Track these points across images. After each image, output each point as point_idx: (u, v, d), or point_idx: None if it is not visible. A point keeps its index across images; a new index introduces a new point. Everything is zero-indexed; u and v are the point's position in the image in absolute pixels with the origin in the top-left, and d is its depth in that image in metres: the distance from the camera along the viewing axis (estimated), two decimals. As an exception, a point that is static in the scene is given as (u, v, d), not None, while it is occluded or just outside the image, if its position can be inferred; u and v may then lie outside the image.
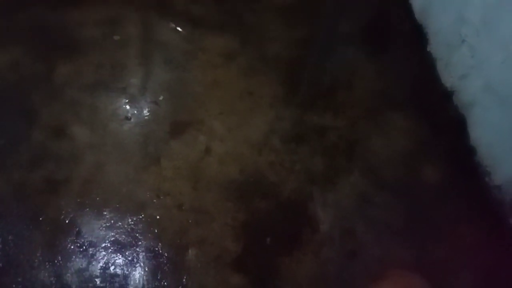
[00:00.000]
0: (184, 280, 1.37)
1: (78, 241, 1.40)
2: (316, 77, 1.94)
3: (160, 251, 1.41)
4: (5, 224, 1.41)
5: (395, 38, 2.09)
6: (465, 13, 1.64)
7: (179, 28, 1.98)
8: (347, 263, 1.48)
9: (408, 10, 2.10)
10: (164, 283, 1.36)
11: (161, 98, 1.74)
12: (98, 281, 1.34)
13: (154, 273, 1.37)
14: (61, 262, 1.36)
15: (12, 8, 1.92)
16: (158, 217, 1.47)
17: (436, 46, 1.87)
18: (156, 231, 1.45)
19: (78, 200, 1.47)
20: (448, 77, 1.77)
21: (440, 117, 1.80)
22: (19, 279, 1.32)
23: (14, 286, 1.31)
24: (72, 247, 1.39)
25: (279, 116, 1.76)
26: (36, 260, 1.36)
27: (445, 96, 1.78)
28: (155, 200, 1.51)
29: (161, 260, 1.40)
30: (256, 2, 2.13)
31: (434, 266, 1.48)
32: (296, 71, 1.93)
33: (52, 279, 1.33)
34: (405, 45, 2.06)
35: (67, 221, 1.43)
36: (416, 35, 2.03)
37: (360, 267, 1.47)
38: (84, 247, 1.40)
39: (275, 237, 1.50)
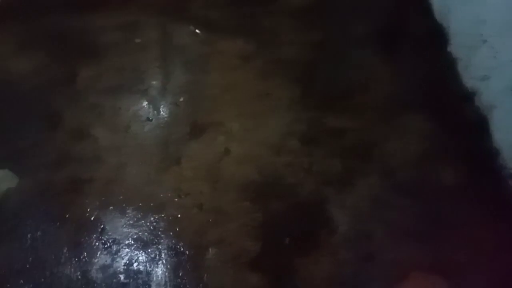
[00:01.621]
0: (204, 278, 1.41)
1: (102, 238, 1.46)
2: (332, 79, 1.94)
3: (181, 250, 1.45)
4: (33, 221, 1.47)
5: (413, 38, 2.08)
6: (487, 13, 1.62)
7: (197, 31, 2.02)
8: (364, 265, 1.48)
9: (427, 10, 2.08)
10: (185, 280, 1.40)
11: (181, 99, 1.78)
12: (122, 277, 1.39)
13: (175, 270, 1.41)
14: (86, 258, 1.42)
15: (36, 14, 2.00)
16: (179, 216, 1.51)
17: (457, 47, 1.85)
18: (177, 230, 1.49)
19: (102, 199, 1.53)
20: (469, 78, 1.75)
21: (459, 119, 1.79)
22: (47, 273, 1.38)
23: (42, 280, 1.36)
24: (97, 244, 1.44)
25: (296, 117, 1.78)
26: (63, 256, 1.42)
27: (466, 98, 1.76)
28: (175, 200, 1.55)
29: (182, 258, 1.44)
30: (272, 5, 2.15)
31: (452, 270, 1.48)
32: (313, 73, 1.94)
33: (78, 274, 1.39)
34: (423, 46, 2.04)
35: (91, 219, 1.49)
36: (435, 36, 2.01)
37: (377, 269, 1.47)
38: (108, 244, 1.45)
39: (293, 238, 1.52)
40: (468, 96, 1.79)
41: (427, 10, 2.10)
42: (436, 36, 2.03)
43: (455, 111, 1.84)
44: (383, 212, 1.60)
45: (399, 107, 1.86)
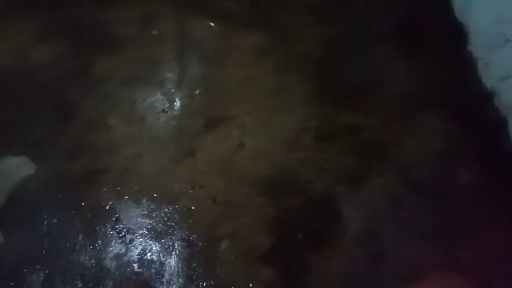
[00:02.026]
0: (216, 270, 1.41)
1: (117, 227, 1.47)
2: (348, 75, 1.93)
3: (194, 241, 1.46)
4: (50, 209, 1.49)
5: (431, 36, 2.04)
6: (511, 11, 1.59)
7: (212, 24, 2.01)
8: (376, 263, 1.48)
9: (447, 7, 2.05)
10: (197, 272, 1.41)
11: (196, 92, 1.78)
12: (135, 266, 1.41)
13: (188, 262, 1.42)
14: (101, 247, 1.43)
15: (55, 4, 2.00)
16: (192, 208, 1.52)
17: (477, 45, 1.82)
18: (190, 221, 1.50)
19: (117, 188, 1.54)
20: (489, 78, 1.72)
21: (478, 119, 1.76)
22: (62, 260, 1.40)
23: (58, 267, 1.39)
24: (112, 233, 1.46)
25: (311, 113, 1.77)
26: (78, 244, 1.44)
27: (485, 98, 1.73)
28: (189, 192, 1.56)
29: (195, 250, 1.45)
30: (288, 0, 2.14)
31: (465, 271, 1.47)
32: (328, 69, 1.93)
33: (92, 262, 1.41)
34: (442, 44, 2.01)
35: (106, 208, 1.50)
36: (454, 34, 1.98)
37: (390, 268, 1.46)
38: (122, 234, 1.46)
39: (305, 234, 1.52)
40: (487, 96, 1.76)
41: (447, 7, 2.06)
42: (455, 34, 2.00)
43: (473, 111, 1.81)
44: (397, 211, 1.59)
45: (415, 106, 1.84)
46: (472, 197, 1.63)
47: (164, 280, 1.39)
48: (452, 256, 1.51)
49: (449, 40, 2.01)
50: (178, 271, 1.41)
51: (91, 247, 1.43)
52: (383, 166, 1.69)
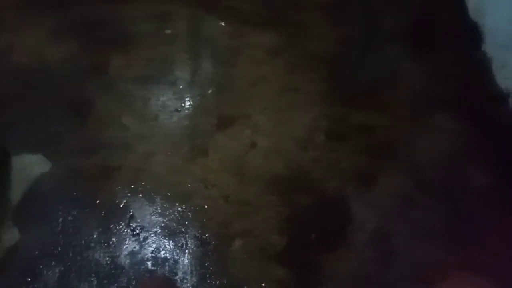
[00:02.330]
0: (229, 269, 1.42)
1: (131, 225, 1.48)
2: (361, 75, 1.92)
3: (207, 240, 1.47)
4: (65, 206, 1.51)
5: (444, 36, 2.03)
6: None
7: (222, 23, 2.01)
8: (389, 263, 1.47)
9: (461, 7, 2.03)
10: (210, 270, 1.41)
11: (209, 91, 1.79)
12: (149, 264, 1.42)
13: (201, 260, 1.43)
14: (115, 244, 1.45)
15: (69, 3, 2.02)
16: (205, 206, 1.53)
17: (492, 46, 1.81)
18: (203, 220, 1.50)
19: (131, 186, 1.55)
20: (503, 79, 1.71)
21: (491, 119, 1.75)
22: (78, 258, 1.42)
23: (73, 264, 1.40)
24: (126, 230, 1.47)
25: (324, 113, 1.77)
26: (93, 241, 1.45)
27: (499, 99, 1.72)
28: (202, 191, 1.56)
29: (207, 248, 1.45)
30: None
31: (479, 272, 1.46)
32: (341, 68, 1.92)
33: (107, 259, 1.42)
34: (455, 44, 2.00)
35: (121, 206, 1.51)
36: (469, 34, 1.97)
37: (403, 268, 1.46)
38: (136, 231, 1.47)
39: (317, 233, 1.51)
40: (501, 97, 1.75)
41: (461, 7, 2.05)
42: (469, 34, 1.98)
43: (488, 112, 1.80)
44: (410, 212, 1.58)
45: (428, 106, 1.83)
46: (485, 197, 1.62)
47: (177, 278, 1.40)
48: (465, 257, 1.50)
49: (463, 40, 2.00)
50: (191, 270, 1.41)
51: (106, 244, 1.45)
52: (395, 166, 1.68)
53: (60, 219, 1.48)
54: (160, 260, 1.42)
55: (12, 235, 1.45)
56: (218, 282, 1.40)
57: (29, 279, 1.37)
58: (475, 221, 1.58)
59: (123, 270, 1.41)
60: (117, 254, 1.43)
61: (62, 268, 1.39)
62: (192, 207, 1.53)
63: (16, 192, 1.53)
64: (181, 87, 1.80)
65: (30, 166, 1.58)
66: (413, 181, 1.65)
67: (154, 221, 1.49)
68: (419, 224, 1.56)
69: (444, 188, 1.65)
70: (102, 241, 1.45)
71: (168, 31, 1.94)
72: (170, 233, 1.48)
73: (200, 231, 1.48)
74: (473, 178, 1.68)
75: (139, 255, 1.43)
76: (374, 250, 1.51)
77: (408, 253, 1.50)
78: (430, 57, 1.97)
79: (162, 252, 1.44)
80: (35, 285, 1.36)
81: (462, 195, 1.64)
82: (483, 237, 1.54)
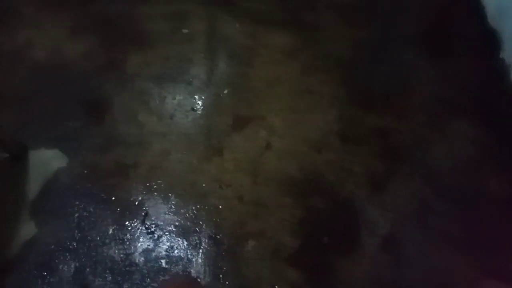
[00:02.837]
0: (242, 269, 1.42)
1: (146, 223, 1.49)
2: (377, 78, 1.91)
3: (221, 240, 1.47)
4: (81, 202, 1.52)
5: (462, 41, 2.01)
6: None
7: (237, 25, 2.02)
8: (404, 270, 1.47)
9: (479, 13, 2.01)
10: (223, 270, 1.42)
11: (225, 91, 1.79)
12: (163, 262, 1.43)
13: (214, 260, 1.44)
14: (130, 241, 1.46)
15: (88, 1, 2.04)
16: (220, 206, 1.53)
17: (511, 53, 1.78)
18: (217, 220, 1.51)
19: (147, 184, 1.56)
20: (523, 86, 1.69)
21: (509, 126, 1.73)
22: (93, 254, 1.43)
23: (88, 259, 1.41)
24: (141, 228, 1.48)
25: (339, 115, 1.76)
26: (108, 238, 1.46)
27: (518, 106, 1.70)
28: (217, 190, 1.57)
29: (221, 248, 1.46)
30: (318, 1, 2.13)
31: (495, 280, 1.44)
32: (357, 71, 1.91)
33: (122, 256, 1.43)
34: (473, 50, 1.98)
35: (136, 203, 1.53)
36: (487, 40, 1.95)
37: (417, 275, 1.45)
38: (151, 229, 1.48)
39: (331, 237, 1.51)
40: (520, 104, 1.73)
41: (480, 14, 2.02)
42: (488, 40, 1.96)
43: (505, 118, 1.77)
44: (425, 217, 1.57)
45: (445, 111, 1.81)
46: (502, 204, 1.60)
47: (191, 276, 1.41)
48: (481, 264, 1.49)
49: (481, 46, 1.98)
50: (204, 269, 1.42)
51: (121, 241, 1.46)
52: (410, 171, 1.67)
53: (76, 215, 1.50)
54: (173, 259, 1.43)
55: (29, 229, 1.47)
56: (231, 282, 1.40)
57: (45, 273, 1.39)
58: (491, 227, 1.56)
59: (137, 268, 1.42)
60: (132, 251, 1.44)
61: (78, 264, 1.41)
62: (206, 207, 1.53)
63: (33, 187, 1.55)
64: (197, 86, 1.81)
65: (47, 161, 1.60)
66: (428, 186, 1.64)
67: (169, 220, 1.50)
68: (434, 230, 1.55)
69: (460, 194, 1.63)
70: (117, 238, 1.46)
71: (185, 31, 1.95)
72: (184, 232, 1.48)
73: (214, 231, 1.49)
74: (490, 185, 1.66)
75: (153, 253, 1.44)
76: (388, 255, 1.50)
77: (423, 259, 1.49)
78: (447, 63, 1.96)
79: (176, 251, 1.45)
80: (51, 279, 1.38)
81: (478, 202, 1.62)
82: (500, 243, 1.53)
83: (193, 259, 1.44)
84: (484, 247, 1.53)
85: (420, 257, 1.49)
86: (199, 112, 1.75)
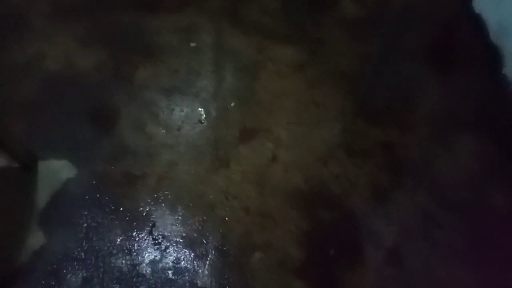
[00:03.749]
0: (249, 281, 1.43)
1: (153, 233, 1.51)
2: (382, 92, 1.94)
3: (227, 251, 1.48)
4: (89, 212, 1.54)
5: (465, 57, 2.04)
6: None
7: (244, 38, 2.05)
8: (410, 283, 1.47)
9: (481, 30, 2.05)
10: (230, 281, 1.43)
11: (232, 104, 1.82)
12: (170, 273, 1.44)
13: (221, 271, 1.44)
14: (137, 252, 1.47)
15: (98, 13, 2.08)
16: (226, 218, 1.55)
17: (513, 69, 1.82)
18: (224, 231, 1.52)
19: (154, 195, 1.58)
20: (527, 102, 1.71)
21: (513, 141, 1.75)
22: (100, 264, 1.44)
23: (96, 269, 1.42)
24: (148, 239, 1.50)
25: (344, 129, 1.79)
26: (115, 248, 1.47)
27: (521, 121, 1.72)
28: (223, 202, 1.58)
29: (228, 259, 1.47)
30: (323, 15, 2.17)
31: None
32: (363, 85, 1.94)
33: (129, 267, 1.44)
34: (476, 66, 2.01)
35: (143, 214, 1.54)
36: (488, 56, 1.98)
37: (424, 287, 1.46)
38: (158, 240, 1.50)
39: (337, 249, 1.52)
40: (523, 119, 1.75)
41: (482, 30, 2.06)
42: (490, 56, 2.00)
43: (508, 132, 1.80)
44: (431, 230, 1.58)
45: (449, 124, 1.84)
46: (507, 217, 1.62)
47: (197, 288, 1.41)
48: (488, 278, 1.49)
49: (483, 62, 2.01)
50: (211, 280, 1.43)
51: (128, 251, 1.47)
52: (415, 184, 1.69)
53: (85, 225, 1.51)
54: (180, 270, 1.44)
55: (38, 239, 1.48)
56: (237, 294, 1.41)
57: (53, 283, 1.40)
58: (496, 240, 1.57)
59: (144, 278, 1.43)
60: (139, 262, 1.45)
61: (85, 274, 1.42)
62: (213, 218, 1.55)
63: (43, 197, 1.57)
64: (204, 98, 1.84)
65: (56, 171, 1.62)
66: (433, 199, 1.65)
67: (176, 231, 1.52)
68: (439, 243, 1.56)
69: (465, 207, 1.64)
70: (125, 249, 1.48)
71: (193, 44, 1.98)
72: (191, 243, 1.50)
73: (220, 242, 1.50)
74: (494, 198, 1.67)
75: (160, 264, 1.45)
76: (393, 268, 1.51)
77: (429, 272, 1.50)
78: (451, 77, 1.99)
79: (183, 262, 1.46)
80: (59, 289, 1.39)
81: (483, 215, 1.63)
82: (505, 257, 1.53)
83: (200, 270, 1.45)
84: (489, 260, 1.54)
85: (425, 270, 1.50)
86: (206, 124, 1.77)
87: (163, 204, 1.56)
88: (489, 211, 1.65)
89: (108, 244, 1.48)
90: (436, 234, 1.58)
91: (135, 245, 1.48)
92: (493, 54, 1.97)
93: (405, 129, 1.81)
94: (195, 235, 1.51)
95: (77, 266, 1.43)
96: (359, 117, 1.83)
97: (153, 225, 1.52)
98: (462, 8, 2.19)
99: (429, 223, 1.60)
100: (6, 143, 1.48)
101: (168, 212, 1.55)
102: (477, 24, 2.09)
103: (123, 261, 1.45)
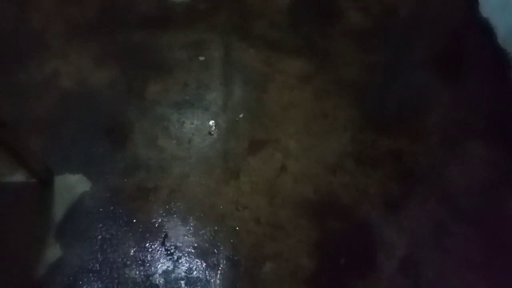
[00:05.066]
0: (260, 291, 1.44)
1: (165, 244, 1.53)
2: (390, 101, 1.95)
3: (239, 261, 1.50)
4: (104, 225, 1.58)
5: (474, 63, 2.05)
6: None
7: (252, 51, 2.10)
8: (422, 292, 1.46)
9: (489, 35, 2.05)
10: (242, 292, 1.44)
11: (241, 116, 1.86)
12: (183, 283, 1.46)
13: (233, 281, 1.46)
14: (150, 263, 1.50)
15: (111, 32, 2.16)
16: (237, 228, 1.57)
17: (522, 75, 1.81)
18: (235, 242, 1.54)
19: (166, 207, 1.61)
20: (537, 107, 1.70)
21: (525, 148, 1.74)
22: (115, 275, 1.47)
23: (110, 280, 1.46)
24: (161, 249, 1.53)
25: (353, 138, 1.80)
26: (129, 259, 1.51)
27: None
28: (234, 213, 1.61)
29: (239, 270, 1.48)
30: (331, 27, 2.20)
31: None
32: (371, 95, 1.96)
33: (142, 277, 1.47)
34: (484, 72, 2.01)
35: (156, 226, 1.57)
36: (497, 61, 1.98)
37: (436, 297, 1.44)
38: (171, 251, 1.52)
39: (348, 258, 1.52)
40: (534, 125, 1.74)
41: (490, 35, 2.06)
42: (499, 62, 1.99)
43: (520, 139, 1.78)
44: (443, 239, 1.57)
45: (459, 132, 1.83)
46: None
47: (209, 298, 1.43)
48: (500, 286, 1.47)
49: (492, 68, 2.00)
50: (223, 291, 1.44)
51: (141, 262, 1.50)
52: (426, 193, 1.68)
53: (99, 237, 1.55)
54: (193, 280, 1.46)
55: (54, 252, 1.52)
56: (249, 304, 1.42)
57: (70, 295, 1.44)
58: (509, 249, 1.55)
59: (158, 289, 1.45)
60: (152, 272, 1.48)
61: (101, 285, 1.45)
62: (224, 229, 1.57)
63: (59, 210, 1.62)
64: (214, 111, 1.88)
65: (72, 185, 1.67)
66: (445, 208, 1.64)
67: (188, 241, 1.54)
68: (452, 252, 1.55)
69: (477, 216, 1.63)
70: (138, 260, 1.51)
71: (202, 58, 2.04)
72: (202, 253, 1.52)
73: (231, 253, 1.52)
74: (507, 206, 1.66)
75: (173, 274, 1.48)
76: (405, 278, 1.50)
77: (442, 282, 1.48)
78: (459, 84, 1.99)
79: (195, 272, 1.48)
80: (75, 301, 1.43)
81: (496, 223, 1.62)
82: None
83: (212, 280, 1.46)
84: (503, 268, 1.52)
85: (438, 280, 1.49)
86: (216, 136, 1.81)
87: (175, 216, 1.60)
88: (502, 218, 1.63)
89: (122, 256, 1.51)
90: (449, 243, 1.56)
91: (148, 256, 1.51)
92: (502, 59, 1.97)
93: (414, 138, 1.81)
94: (207, 245, 1.54)
95: (92, 278, 1.47)
96: (367, 126, 1.84)
97: (166, 236, 1.55)
98: (469, 14, 2.20)
99: (441, 232, 1.58)
100: (25, 159, 1.54)
101: (180, 223, 1.58)
102: (485, 29, 2.09)
103: (137, 272, 1.48)
